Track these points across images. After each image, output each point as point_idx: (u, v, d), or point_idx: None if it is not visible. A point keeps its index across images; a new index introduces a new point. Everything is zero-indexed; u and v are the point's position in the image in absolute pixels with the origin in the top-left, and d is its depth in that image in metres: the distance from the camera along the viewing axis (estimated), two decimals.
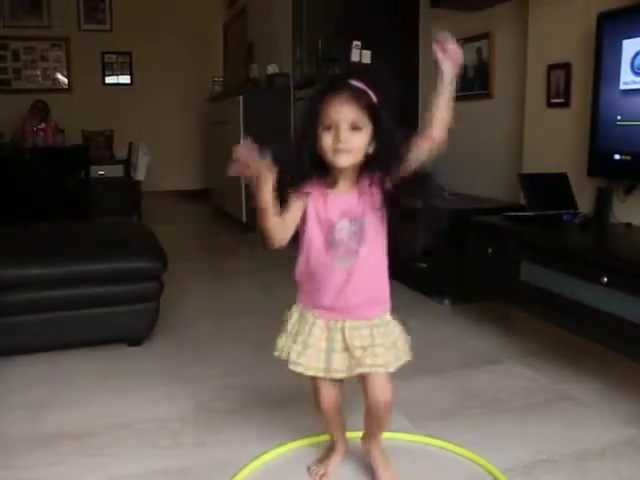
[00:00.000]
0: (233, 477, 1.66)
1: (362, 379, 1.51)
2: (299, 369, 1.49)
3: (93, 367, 2.46)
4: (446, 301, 3.26)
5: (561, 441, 1.86)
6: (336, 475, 1.68)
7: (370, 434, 1.64)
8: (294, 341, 1.51)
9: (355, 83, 1.35)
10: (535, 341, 2.70)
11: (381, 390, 1.50)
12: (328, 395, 1.58)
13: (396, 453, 1.71)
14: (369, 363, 1.45)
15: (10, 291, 2.43)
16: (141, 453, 1.81)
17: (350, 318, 1.47)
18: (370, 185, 1.41)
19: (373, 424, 1.60)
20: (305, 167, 1.40)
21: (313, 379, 1.56)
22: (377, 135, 1.37)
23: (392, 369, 1.48)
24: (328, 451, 1.73)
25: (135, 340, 2.66)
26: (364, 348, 1.46)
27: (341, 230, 1.43)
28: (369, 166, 1.40)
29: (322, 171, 1.42)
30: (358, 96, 1.34)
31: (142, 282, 2.60)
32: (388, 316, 1.53)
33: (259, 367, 2.43)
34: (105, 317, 2.57)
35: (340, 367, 1.48)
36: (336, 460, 1.70)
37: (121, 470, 1.72)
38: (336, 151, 1.35)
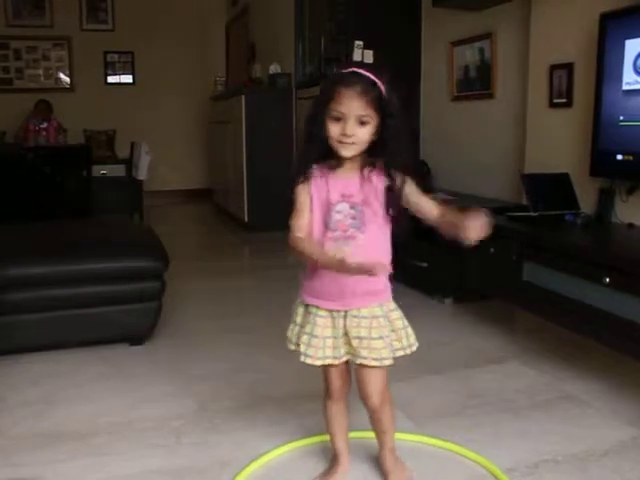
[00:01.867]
0: (235, 477, 1.66)
1: (356, 371, 1.53)
2: (308, 360, 1.49)
3: (95, 366, 2.46)
4: (447, 300, 3.26)
5: (564, 441, 1.86)
6: None
7: (378, 439, 1.64)
8: (302, 333, 1.52)
9: (366, 74, 1.38)
10: (537, 341, 2.70)
11: (373, 384, 1.52)
12: (337, 379, 1.57)
13: (398, 453, 1.70)
14: (364, 355, 1.47)
15: (12, 290, 2.43)
16: (143, 452, 1.81)
17: (350, 307, 1.48)
18: (371, 172, 1.43)
19: (374, 424, 1.61)
20: (312, 151, 1.43)
21: (323, 368, 1.56)
22: (383, 126, 1.39)
23: (388, 363, 1.49)
24: (331, 465, 1.68)
25: (137, 339, 2.66)
26: (360, 339, 1.47)
27: (339, 212, 1.44)
28: (373, 153, 1.42)
29: (328, 155, 1.44)
30: (368, 91, 1.36)
31: (144, 281, 2.60)
32: (391, 304, 1.54)
33: (261, 366, 2.43)
34: (107, 316, 2.57)
35: (344, 352, 1.50)
36: (341, 475, 1.65)
37: (123, 469, 1.73)
38: (341, 143, 1.38)
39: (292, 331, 1.56)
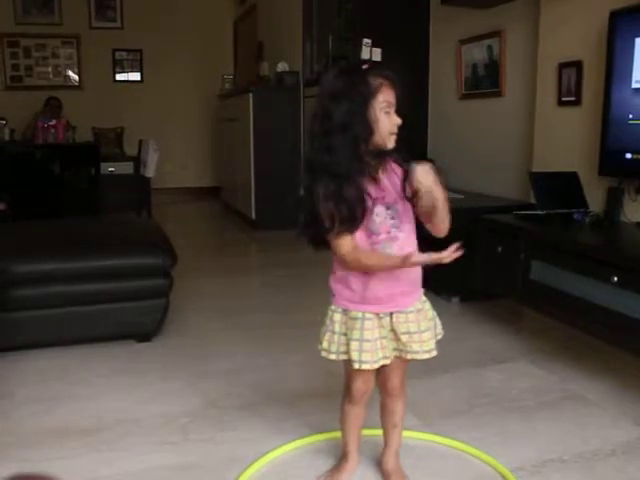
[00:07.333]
0: (242, 473, 1.66)
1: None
2: (365, 367, 1.46)
3: (103, 363, 2.47)
4: (455, 299, 3.25)
5: (570, 441, 1.85)
6: None
7: (386, 435, 1.64)
8: (349, 340, 1.47)
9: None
10: (545, 340, 2.69)
11: (402, 373, 1.55)
12: (363, 384, 1.55)
13: (405, 451, 1.70)
14: (416, 349, 1.49)
15: (22, 286, 2.44)
16: (150, 448, 1.82)
17: (397, 308, 1.47)
18: (392, 170, 1.43)
19: (386, 417, 1.61)
20: (360, 153, 1.36)
21: (349, 373, 1.54)
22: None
23: (435, 353, 1.52)
24: (339, 462, 1.68)
25: (144, 336, 2.67)
26: (410, 334, 1.48)
27: (378, 215, 1.41)
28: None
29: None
30: (395, 80, 1.38)
31: (152, 278, 2.61)
32: (423, 295, 1.56)
33: (268, 364, 2.44)
34: (115, 313, 2.59)
35: (392, 349, 1.50)
36: (348, 474, 1.65)
37: (130, 465, 1.73)
38: (391, 134, 1.38)
39: (330, 341, 1.51)
